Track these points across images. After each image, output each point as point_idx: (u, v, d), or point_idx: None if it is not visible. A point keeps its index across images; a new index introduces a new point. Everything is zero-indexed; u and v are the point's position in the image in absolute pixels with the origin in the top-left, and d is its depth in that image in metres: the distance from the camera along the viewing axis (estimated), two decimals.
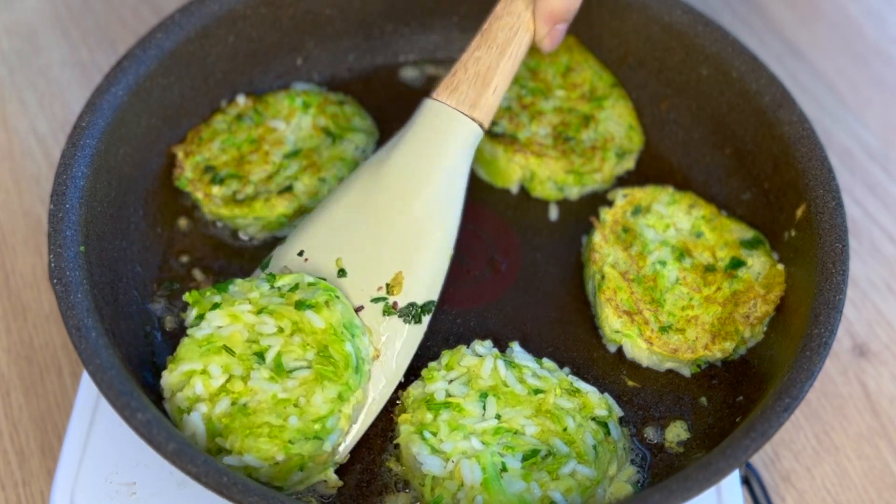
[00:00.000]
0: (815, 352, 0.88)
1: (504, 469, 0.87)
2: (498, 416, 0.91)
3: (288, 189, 1.06)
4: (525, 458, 0.89)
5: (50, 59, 1.34)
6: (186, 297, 0.93)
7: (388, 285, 0.95)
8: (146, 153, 1.06)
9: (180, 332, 0.99)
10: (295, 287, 0.93)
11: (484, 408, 0.91)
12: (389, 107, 1.17)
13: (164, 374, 0.90)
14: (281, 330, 0.90)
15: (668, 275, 1.02)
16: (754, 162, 1.07)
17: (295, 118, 1.12)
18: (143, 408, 0.82)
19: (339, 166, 1.08)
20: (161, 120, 1.07)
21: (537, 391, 0.92)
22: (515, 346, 0.98)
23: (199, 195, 1.06)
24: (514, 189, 1.13)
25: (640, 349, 0.99)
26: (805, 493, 1.05)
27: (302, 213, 1.05)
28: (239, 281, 0.95)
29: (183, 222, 1.08)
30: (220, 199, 1.06)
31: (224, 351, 0.89)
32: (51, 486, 0.93)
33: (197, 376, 0.88)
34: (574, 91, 1.16)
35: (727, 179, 1.11)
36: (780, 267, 1.01)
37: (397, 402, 0.96)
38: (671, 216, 1.06)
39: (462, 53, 1.01)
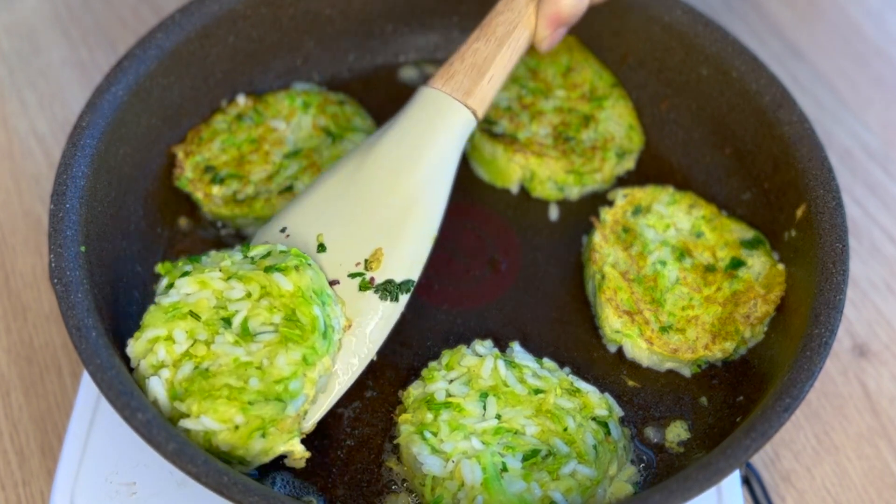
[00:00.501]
0: (816, 352, 0.88)
1: (504, 469, 0.87)
2: (498, 416, 0.91)
3: (288, 189, 1.06)
4: (525, 458, 0.89)
5: (50, 59, 1.34)
6: (159, 267, 0.93)
7: (366, 261, 0.94)
8: (146, 153, 1.06)
9: None
10: (267, 255, 0.92)
11: (484, 408, 0.91)
12: (389, 107, 1.16)
13: (130, 342, 0.89)
14: (249, 294, 0.89)
15: (669, 275, 1.02)
16: (754, 162, 1.07)
17: (295, 118, 1.12)
18: (143, 408, 0.82)
19: None
20: (161, 120, 1.07)
21: (537, 391, 0.92)
22: (515, 346, 0.98)
23: (200, 195, 1.06)
24: (515, 189, 1.13)
25: (640, 349, 0.99)
26: (805, 493, 1.05)
27: None
28: (213, 252, 0.95)
29: (183, 222, 1.08)
30: (221, 199, 1.06)
31: (189, 316, 0.88)
32: (51, 486, 0.93)
33: (161, 342, 0.87)
34: (574, 91, 1.16)
35: (727, 179, 1.11)
36: (781, 267, 1.01)
37: (398, 402, 0.96)
38: (671, 216, 1.06)
39: (460, 46, 1.01)
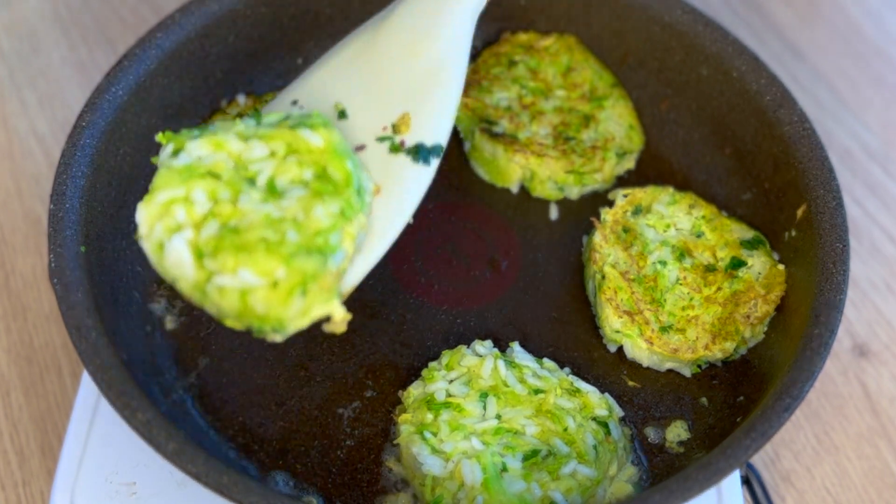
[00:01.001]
0: (816, 352, 0.88)
1: (504, 469, 0.87)
2: (498, 416, 0.91)
3: None
4: (525, 458, 0.89)
5: (50, 59, 1.34)
6: (159, 136, 0.84)
7: (393, 125, 0.90)
8: (146, 153, 1.06)
9: (181, 331, 0.99)
10: (284, 119, 0.85)
11: (484, 408, 0.91)
12: None
13: (140, 206, 0.80)
14: (273, 153, 0.82)
15: (669, 275, 1.02)
16: (754, 162, 1.07)
17: None
18: (143, 408, 0.82)
19: None
20: (161, 120, 1.07)
21: (538, 391, 0.92)
22: (516, 346, 0.98)
23: None
24: (515, 189, 1.13)
25: (640, 349, 0.99)
26: (805, 493, 1.05)
27: None
28: (219, 122, 0.87)
29: None
30: None
31: (209, 176, 0.80)
32: (51, 486, 0.93)
33: (178, 203, 0.79)
34: (574, 91, 1.16)
35: (727, 179, 1.11)
36: (781, 267, 1.01)
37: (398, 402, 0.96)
38: (671, 216, 1.06)
39: None
